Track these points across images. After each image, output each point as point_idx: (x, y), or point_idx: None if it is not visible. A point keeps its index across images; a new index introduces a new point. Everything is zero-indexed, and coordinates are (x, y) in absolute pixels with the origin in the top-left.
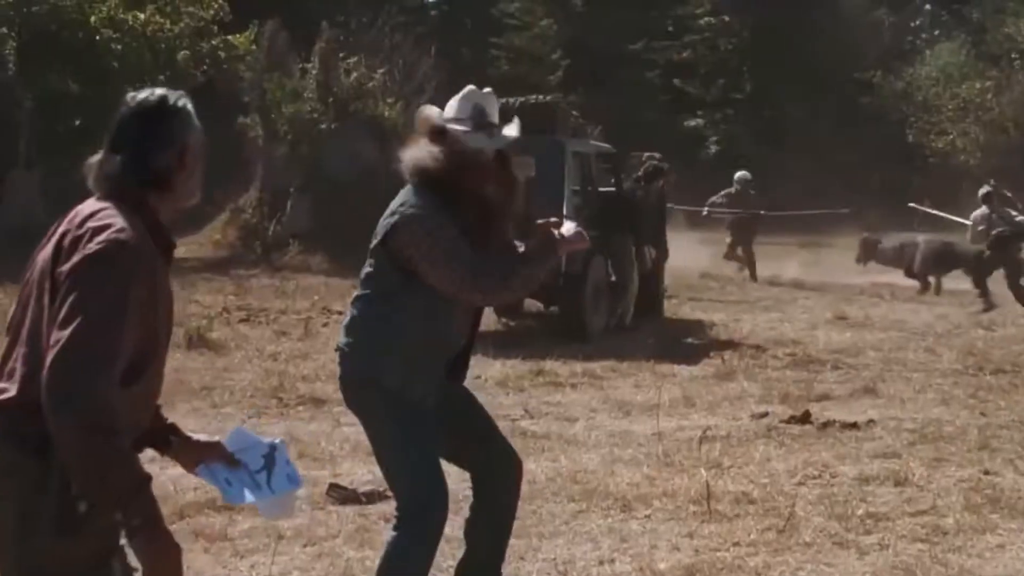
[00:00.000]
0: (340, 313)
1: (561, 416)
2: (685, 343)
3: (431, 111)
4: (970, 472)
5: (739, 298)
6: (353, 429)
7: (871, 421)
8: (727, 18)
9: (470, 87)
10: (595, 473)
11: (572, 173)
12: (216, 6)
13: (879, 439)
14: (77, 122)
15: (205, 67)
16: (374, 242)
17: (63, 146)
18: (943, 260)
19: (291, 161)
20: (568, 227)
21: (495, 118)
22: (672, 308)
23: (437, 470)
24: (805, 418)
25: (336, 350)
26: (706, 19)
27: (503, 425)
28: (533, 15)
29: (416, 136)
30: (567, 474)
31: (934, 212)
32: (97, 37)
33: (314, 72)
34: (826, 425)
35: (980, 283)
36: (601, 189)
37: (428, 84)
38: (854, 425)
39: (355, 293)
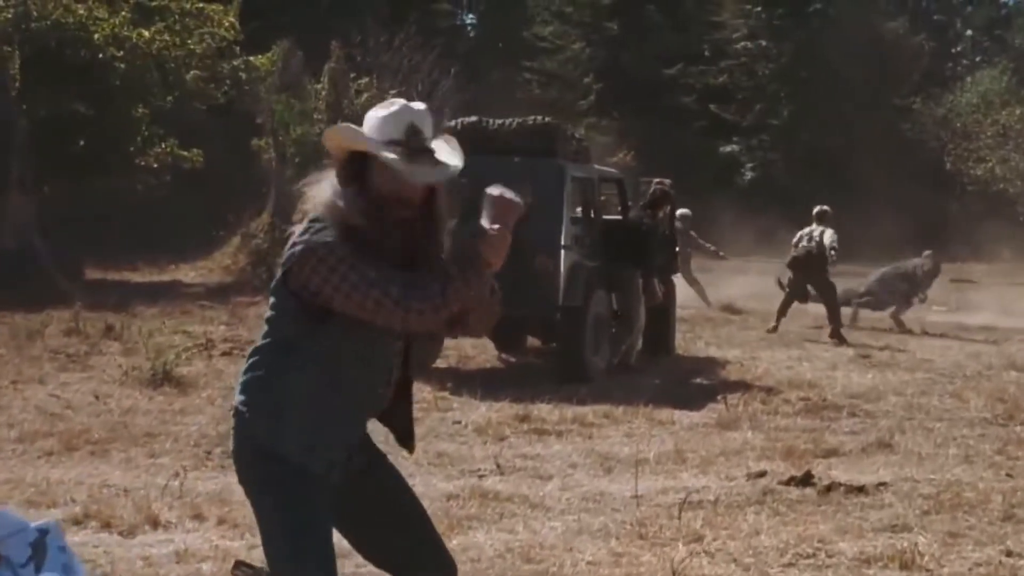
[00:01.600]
0: None
1: (535, 473)
2: (692, 384)
3: (348, 131)
4: (989, 553)
5: (760, 333)
6: None
7: (881, 484)
8: (764, 43)
9: (400, 101)
10: (553, 549)
11: (572, 199)
12: (227, 23)
13: (888, 507)
14: (81, 143)
15: (226, 88)
16: (276, 277)
17: (65, 168)
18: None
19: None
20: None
21: (431, 141)
22: (687, 344)
23: (330, 563)
24: (807, 480)
25: (231, 411)
26: (743, 44)
27: (467, 483)
28: (566, 38)
29: (327, 163)
30: (520, 550)
31: None
32: (100, 55)
33: (323, 92)
34: (830, 488)
35: None
36: (607, 217)
37: (448, 106)
38: (861, 489)
39: (256, 344)
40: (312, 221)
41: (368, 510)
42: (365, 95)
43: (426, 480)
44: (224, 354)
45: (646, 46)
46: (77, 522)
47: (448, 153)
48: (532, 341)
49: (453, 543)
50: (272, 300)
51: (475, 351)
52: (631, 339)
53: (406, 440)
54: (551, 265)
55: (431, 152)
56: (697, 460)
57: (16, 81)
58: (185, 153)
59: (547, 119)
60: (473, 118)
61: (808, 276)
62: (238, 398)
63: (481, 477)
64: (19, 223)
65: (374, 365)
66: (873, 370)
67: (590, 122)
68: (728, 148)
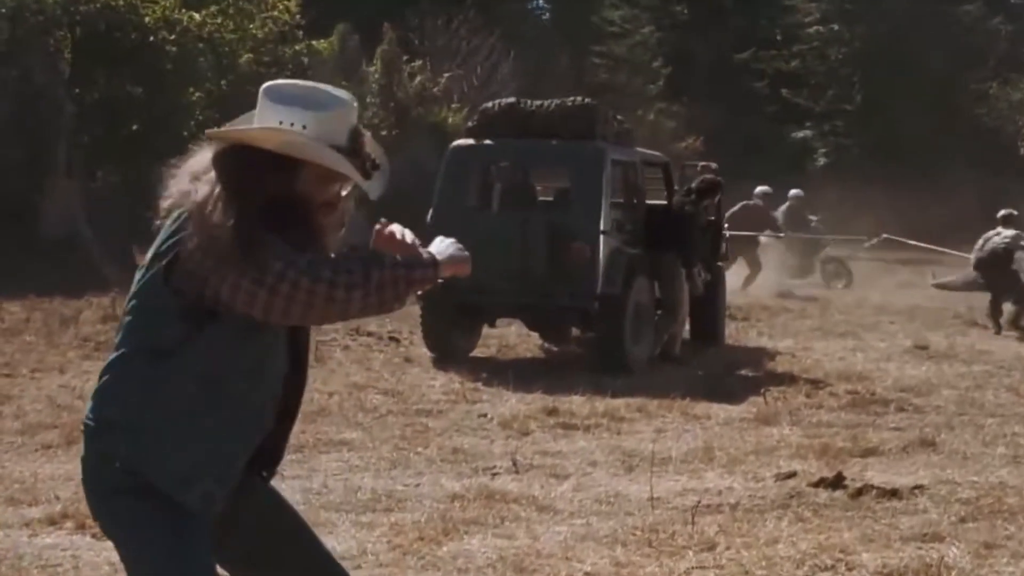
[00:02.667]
0: (371, 335)
1: (551, 471)
2: (736, 376)
3: (286, 136)
4: None
5: (817, 323)
6: (298, 484)
7: (917, 487)
8: (837, 27)
9: (337, 93)
10: (551, 558)
11: (612, 184)
12: (282, 6)
13: (922, 513)
14: (133, 127)
15: (288, 73)
16: (145, 275)
17: (116, 153)
18: None
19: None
20: (446, 246)
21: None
22: (739, 334)
23: None
24: (837, 482)
25: (82, 430)
26: (815, 28)
27: (476, 482)
28: (635, 22)
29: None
30: (514, 558)
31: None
32: (151, 39)
33: (376, 76)
34: (861, 492)
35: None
36: (650, 202)
37: (505, 89)
38: (895, 493)
39: (114, 353)
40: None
41: (250, 543)
42: (418, 78)
43: (434, 479)
44: None
45: (717, 30)
46: (53, 522)
47: (381, 155)
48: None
49: (443, 550)
50: (138, 300)
51: (518, 340)
52: (673, 329)
53: (269, 464)
54: (589, 252)
55: (369, 159)
56: (726, 459)
57: (67, 65)
58: None
59: (586, 99)
60: (511, 99)
61: (996, 275)
62: (90, 414)
63: (494, 476)
64: (66, 208)
65: (263, 382)
66: (929, 362)
67: (659, 107)
68: (800, 134)
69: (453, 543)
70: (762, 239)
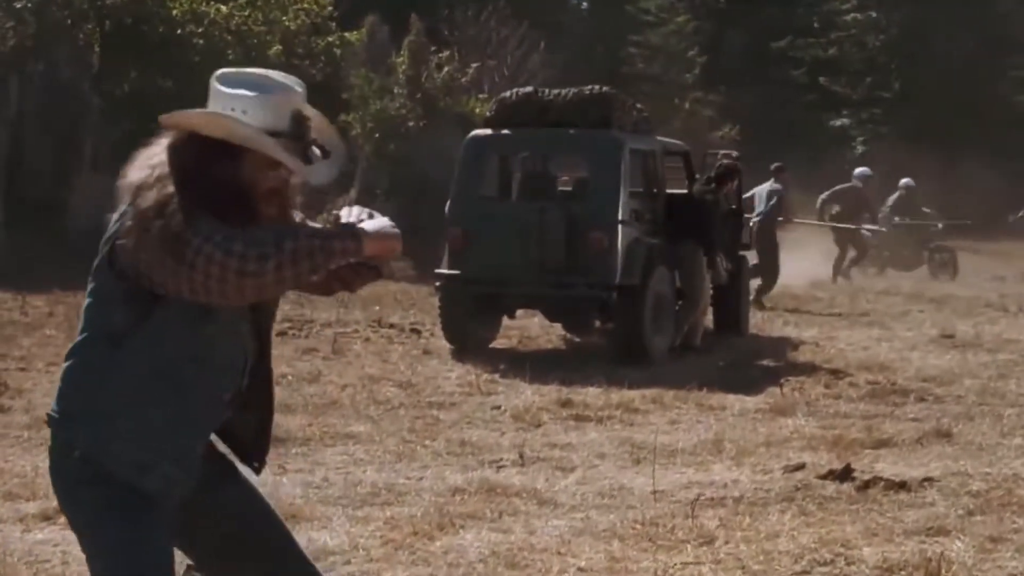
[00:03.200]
0: (392, 327)
1: (558, 464)
2: (757, 366)
3: (223, 120)
4: None
5: (847, 311)
6: (299, 477)
7: (927, 480)
8: (875, 14)
9: (280, 78)
10: (545, 552)
11: (631, 173)
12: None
13: (929, 506)
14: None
15: (320, 64)
16: (97, 260)
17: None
18: None
19: (378, 160)
20: (376, 222)
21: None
22: (764, 323)
23: None
24: (846, 474)
25: (46, 421)
26: (853, 15)
27: (480, 475)
28: (671, 11)
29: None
30: (507, 552)
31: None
32: (179, 31)
33: (403, 67)
34: (868, 484)
35: None
36: (670, 191)
37: (535, 80)
38: (903, 485)
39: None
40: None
41: (217, 533)
42: (446, 69)
43: (438, 472)
44: (279, 333)
45: (753, 18)
46: (46, 518)
47: (333, 141)
48: None
49: (436, 545)
50: (92, 286)
51: (539, 331)
52: (693, 318)
53: (249, 457)
54: (607, 241)
55: (313, 144)
56: (735, 451)
57: (95, 59)
58: None
59: (604, 88)
60: (528, 89)
61: None
62: (53, 404)
63: (499, 469)
64: (93, 203)
65: (215, 368)
66: (954, 351)
67: (695, 96)
68: (838, 122)
69: (447, 537)
70: (864, 232)
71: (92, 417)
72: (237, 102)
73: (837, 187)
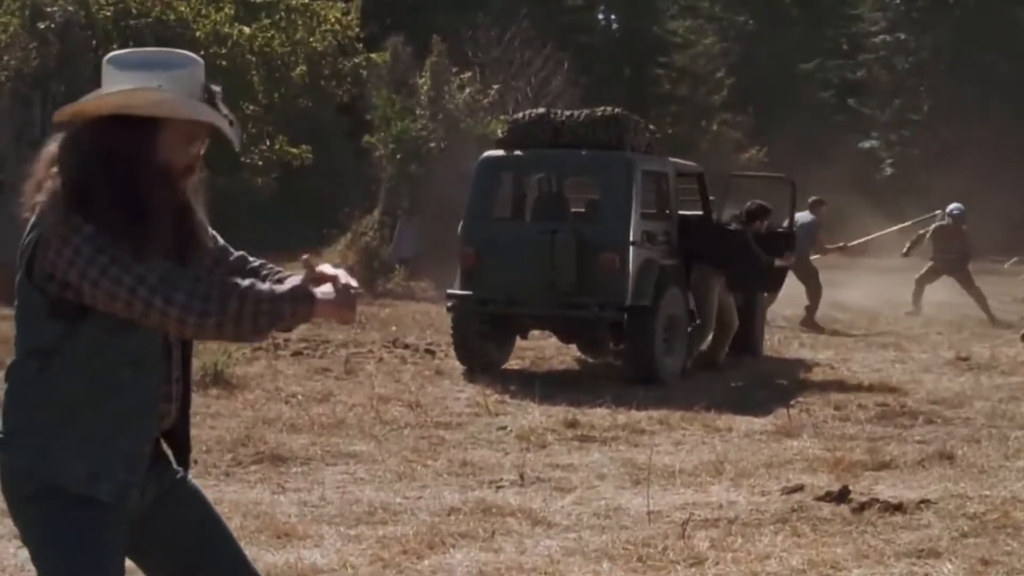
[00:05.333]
0: (407, 347)
1: (557, 484)
2: (768, 388)
3: (158, 95)
4: None
5: (864, 332)
6: (297, 496)
7: (924, 502)
8: (903, 36)
9: (184, 53)
10: (533, 571)
11: (643, 194)
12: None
13: (924, 528)
14: None
15: (347, 85)
16: (18, 276)
17: None
18: None
19: (400, 181)
20: (337, 281)
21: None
22: (780, 345)
23: None
24: (843, 496)
25: None
26: (882, 37)
27: (477, 495)
28: (699, 33)
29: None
30: (495, 571)
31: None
32: (202, 53)
33: (425, 88)
34: (864, 506)
35: None
36: (684, 213)
37: (559, 102)
38: (899, 507)
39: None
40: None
41: (167, 543)
42: (467, 90)
43: (436, 492)
44: (295, 354)
45: (782, 40)
46: None
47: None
48: None
49: (424, 564)
50: (16, 302)
51: (553, 352)
52: (720, 339)
53: (184, 456)
54: (618, 262)
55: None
56: (735, 472)
57: None
58: (294, 150)
59: (616, 109)
60: (540, 110)
61: None
62: None
63: (498, 488)
64: None
65: (150, 368)
66: (968, 373)
67: (722, 118)
68: (867, 144)
69: (436, 556)
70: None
71: (34, 434)
72: (152, 80)
73: (932, 227)
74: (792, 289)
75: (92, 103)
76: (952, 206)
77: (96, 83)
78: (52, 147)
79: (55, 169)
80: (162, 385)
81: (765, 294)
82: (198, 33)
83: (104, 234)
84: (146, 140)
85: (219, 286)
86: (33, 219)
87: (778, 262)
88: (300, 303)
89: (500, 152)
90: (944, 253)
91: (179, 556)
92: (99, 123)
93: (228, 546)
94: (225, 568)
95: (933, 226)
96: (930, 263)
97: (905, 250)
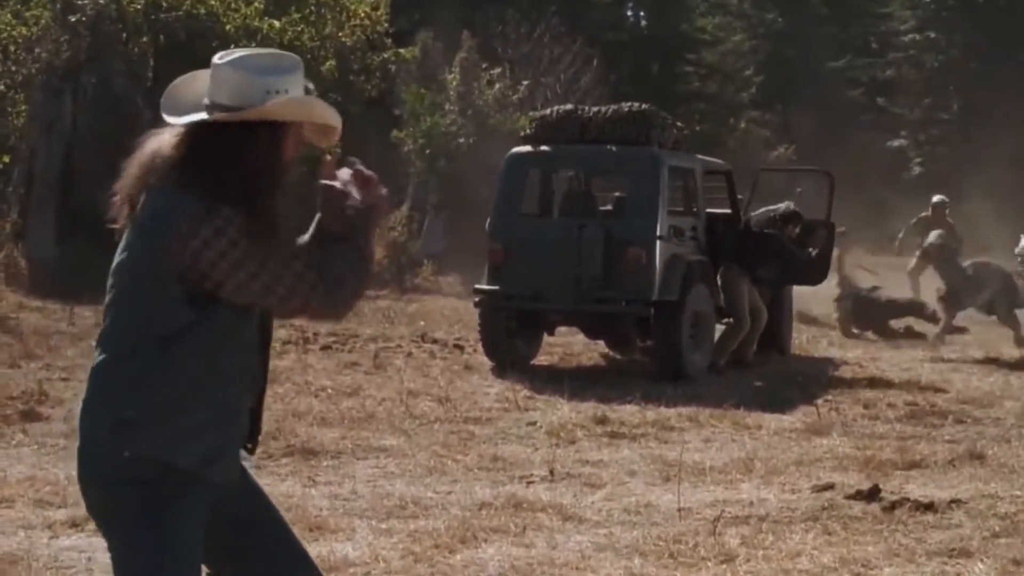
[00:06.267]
0: (435, 342)
1: (587, 480)
2: (796, 386)
3: (305, 103)
4: None
5: (892, 331)
6: (328, 489)
7: (955, 501)
8: (933, 35)
9: (287, 54)
10: (564, 566)
11: (670, 190)
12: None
13: (955, 527)
14: None
15: (376, 80)
16: (134, 260)
17: None
18: None
19: (429, 177)
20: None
21: None
22: (808, 344)
23: None
24: (873, 494)
25: (82, 425)
26: (911, 36)
27: (508, 491)
28: (728, 30)
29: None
30: (526, 567)
31: None
32: (232, 47)
33: (454, 83)
34: (895, 505)
35: None
36: (711, 211)
37: (589, 98)
38: (930, 507)
39: (103, 344)
40: (173, 203)
41: (230, 534)
42: (497, 86)
43: (467, 487)
44: (324, 348)
45: (811, 38)
46: (74, 525)
47: None
48: None
49: (456, 558)
50: (130, 286)
51: (581, 348)
52: (747, 335)
53: (256, 437)
54: (645, 258)
55: None
56: (765, 470)
57: (149, 72)
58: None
59: (643, 105)
60: (568, 106)
61: None
62: (101, 411)
63: (529, 484)
64: None
65: (252, 352)
66: (997, 373)
67: (751, 116)
68: (895, 143)
69: (468, 551)
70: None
71: (156, 420)
72: (280, 83)
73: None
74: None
75: (282, 108)
76: (935, 197)
77: (128, 76)
78: (153, 145)
79: (185, 160)
80: (249, 379)
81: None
82: (228, 27)
83: (254, 227)
84: (285, 140)
85: (334, 250)
86: (156, 205)
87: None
88: (373, 219)
89: (527, 148)
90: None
91: (238, 545)
92: (248, 123)
93: (288, 539)
94: (282, 559)
95: (916, 217)
96: (917, 254)
97: (897, 247)
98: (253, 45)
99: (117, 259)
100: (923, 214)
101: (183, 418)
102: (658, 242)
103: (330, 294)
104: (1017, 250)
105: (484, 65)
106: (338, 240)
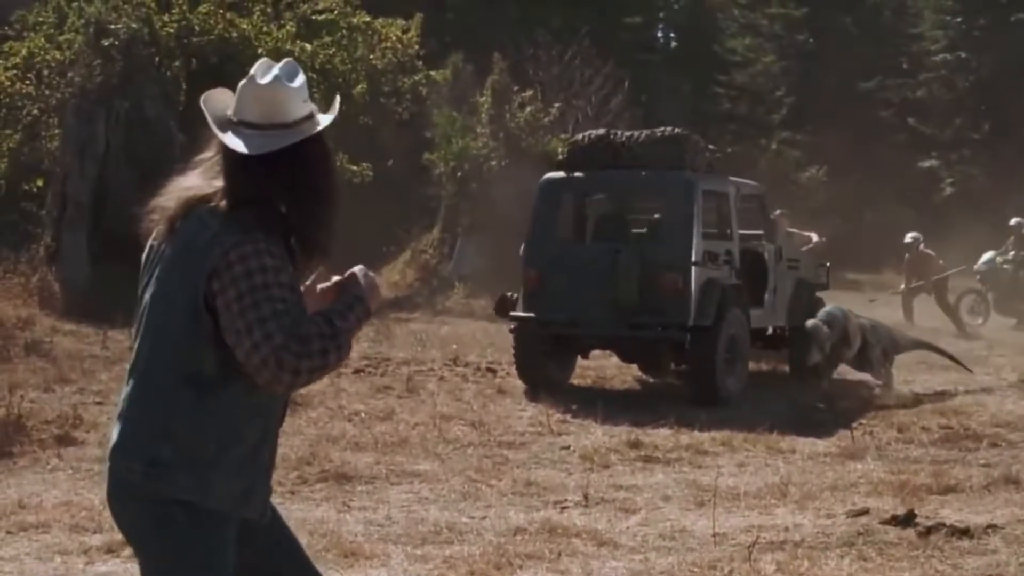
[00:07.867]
0: (468, 366)
1: (622, 505)
2: (830, 409)
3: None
4: None
5: (924, 356)
6: (363, 515)
7: (991, 527)
8: (964, 55)
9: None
10: None
11: (704, 214)
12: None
13: (991, 554)
14: None
15: (407, 103)
16: (170, 299)
17: None
18: None
19: (460, 199)
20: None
21: None
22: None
23: None
24: (909, 519)
25: (114, 460)
26: (942, 56)
27: (543, 516)
28: (758, 51)
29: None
30: None
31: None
32: None
33: (486, 106)
34: (931, 530)
35: None
36: (744, 232)
37: (619, 119)
38: (966, 532)
39: (137, 375)
40: (225, 225)
41: (254, 555)
42: (528, 108)
43: (501, 512)
44: (356, 371)
45: (841, 59)
46: (110, 550)
47: None
48: None
49: None
50: (163, 325)
51: (615, 371)
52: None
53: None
54: (680, 283)
55: None
56: (799, 495)
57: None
58: (354, 167)
59: (676, 129)
60: (601, 131)
61: None
62: (136, 452)
63: (563, 509)
64: None
65: (282, 396)
66: None
67: (782, 137)
68: (927, 163)
69: None
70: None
71: (190, 461)
72: (286, 101)
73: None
74: None
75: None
76: (908, 235)
77: (161, 100)
78: (191, 179)
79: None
80: (281, 413)
81: None
82: (260, 50)
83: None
84: None
85: (314, 320)
86: (193, 237)
87: None
88: (362, 312)
89: (561, 174)
90: (920, 279)
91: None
92: (300, 150)
93: (303, 557)
94: None
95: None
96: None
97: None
98: None
99: (151, 289)
100: (906, 255)
101: (218, 457)
102: (693, 267)
103: (304, 369)
104: (976, 267)
105: (515, 87)
106: (323, 315)
